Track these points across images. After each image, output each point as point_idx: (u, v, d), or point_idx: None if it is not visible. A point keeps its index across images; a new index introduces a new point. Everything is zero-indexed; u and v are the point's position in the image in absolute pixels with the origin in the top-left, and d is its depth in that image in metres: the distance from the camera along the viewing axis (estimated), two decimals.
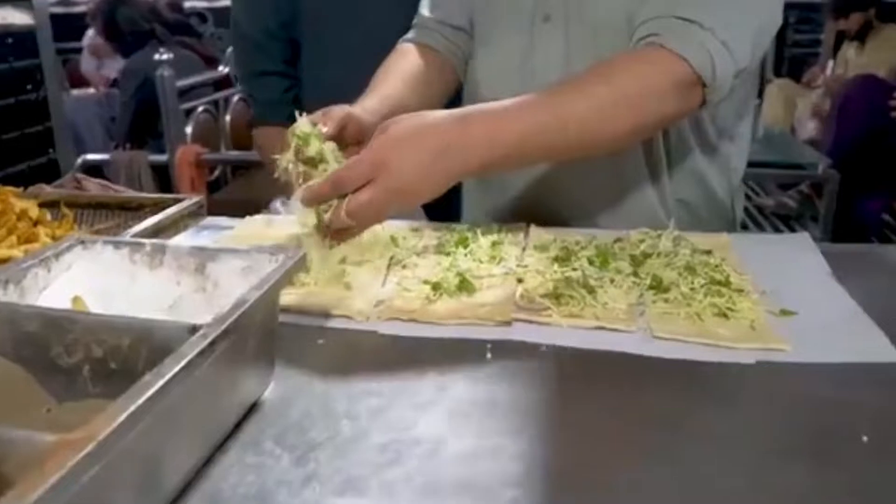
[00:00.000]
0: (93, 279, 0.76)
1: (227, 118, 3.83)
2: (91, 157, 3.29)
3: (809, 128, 4.49)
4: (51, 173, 2.61)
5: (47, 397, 0.60)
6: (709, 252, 1.05)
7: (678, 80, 0.99)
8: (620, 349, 0.83)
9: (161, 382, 0.49)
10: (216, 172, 3.73)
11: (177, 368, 0.51)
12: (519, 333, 0.86)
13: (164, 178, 3.33)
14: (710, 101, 1.02)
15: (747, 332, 0.86)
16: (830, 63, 4.79)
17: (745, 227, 3.56)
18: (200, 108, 3.57)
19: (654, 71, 0.99)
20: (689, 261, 1.01)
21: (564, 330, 0.86)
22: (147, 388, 0.48)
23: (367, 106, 1.11)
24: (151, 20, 3.88)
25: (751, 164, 3.40)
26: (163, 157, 3.25)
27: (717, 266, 1.00)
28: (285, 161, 0.96)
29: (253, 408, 0.70)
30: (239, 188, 3.76)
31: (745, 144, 1.29)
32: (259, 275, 0.73)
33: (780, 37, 5.75)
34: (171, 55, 3.35)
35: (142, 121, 3.61)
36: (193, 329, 0.58)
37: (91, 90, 4.87)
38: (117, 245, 0.78)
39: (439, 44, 1.31)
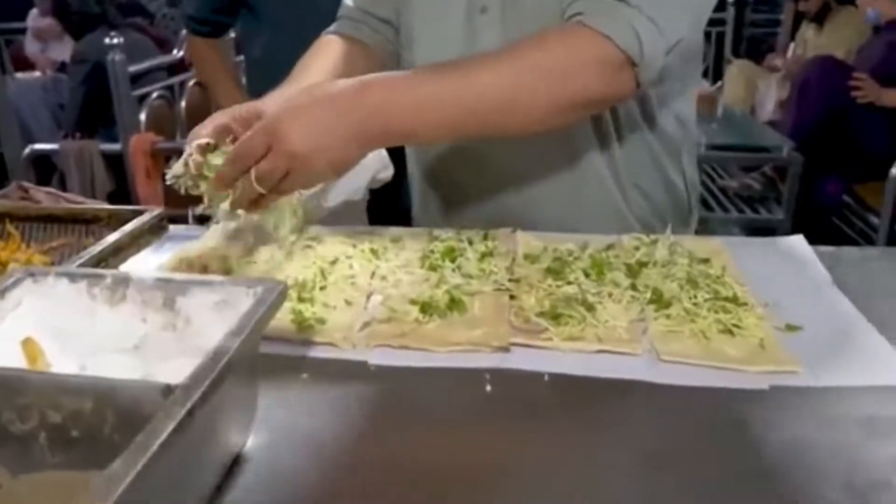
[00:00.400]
0: (46, 317, 0.68)
1: (183, 104, 3.68)
2: (39, 146, 3.13)
3: (768, 109, 4.50)
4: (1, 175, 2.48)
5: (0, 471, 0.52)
6: (706, 261, 1.00)
7: (601, 58, 0.94)
8: (627, 376, 0.77)
9: (135, 471, 0.41)
10: (172, 161, 3.58)
11: (154, 448, 0.43)
12: (518, 360, 0.79)
13: (117, 168, 3.19)
14: (642, 81, 0.97)
15: (756, 351, 0.82)
16: (791, 45, 4.78)
17: (709, 209, 3.59)
18: (154, 94, 3.41)
19: (573, 49, 0.95)
20: (688, 271, 0.96)
21: (566, 355, 0.81)
22: (118, 480, 0.40)
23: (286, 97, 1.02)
24: (102, 0, 3.70)
25: (714, 147, 3.42)
26: (116, 147, 3.11)
27: (718, 277, 0.95)
28: (176, 170, 0.95)
29: (235, 462, 0.63)
30: None
31: (693, 127, 1.27)
32: (236, 310, 0.66)
33: (739, 17, 5.75)
34: (123, 39, 3.19)
35: (92, 108, 3.46)
36: (168, 390, 0.50)
37: (37, 73, 4.67)
38: (73, 277, 0.70)
39: (365, 35, 1.24)
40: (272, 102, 1.00)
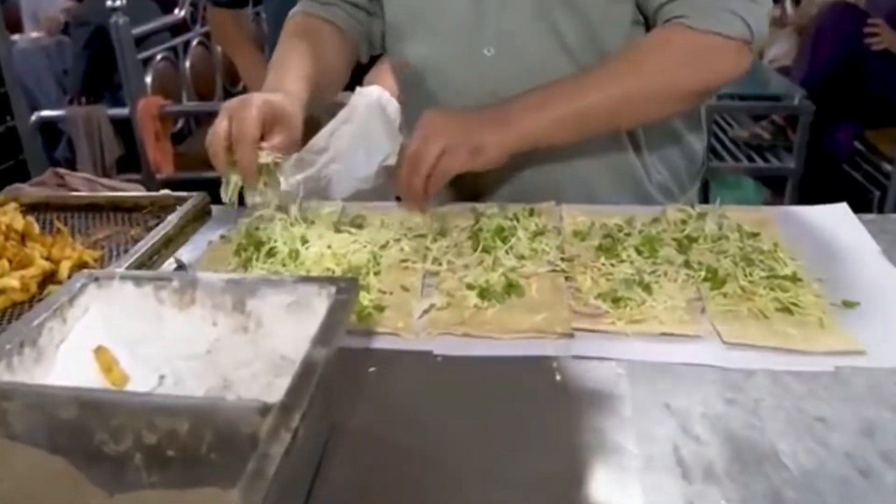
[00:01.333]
0: (114, 323, 0.67)
1: (188, 64, 3.63)
2: (45, 113, 3.08)
3: (772, 53, 4.40)
4: (11, 141, 2.43)
5: (95, 491, 0.52)
6: (756, 235, 0.99)
7: (714, 52, 1.03)
8: (694, 360, 0.77)
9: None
10: (179, 123, 3.55)
11: (271, 474, 0.43)
12: (584, 347, 0.79)
13: (126, 133, 3.15)
14: (755, 50, 1.07)
15: (817, 331, 0.81)
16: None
17: (720, 159, 3.57)
18: (159, 57, 3.36)
19: (683, 52, 1.04)
20: (740, 247, 0.96)
21: (630, 340, 0.80)
22: None
23: (289, 91, 1.05)
24: None
25: (725, 96, 3.37)
26: (123, 111, 3.07)
27: (771, 252, 0.94)
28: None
29: (318, 470, 0.62)
30: (203, 139, 3.59)
31: None
32: (310, 311, 0.65)
33: None
34: (124, 0, 3.13)
35: (96, 72, 3.40)
36: (265, 409, 0.49)
37: (35, 35, 4.58)
38: (138, 281, 0.69)
39: (339, 19, 1.22)
40: (286, 101, 1.01)
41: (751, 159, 3.63)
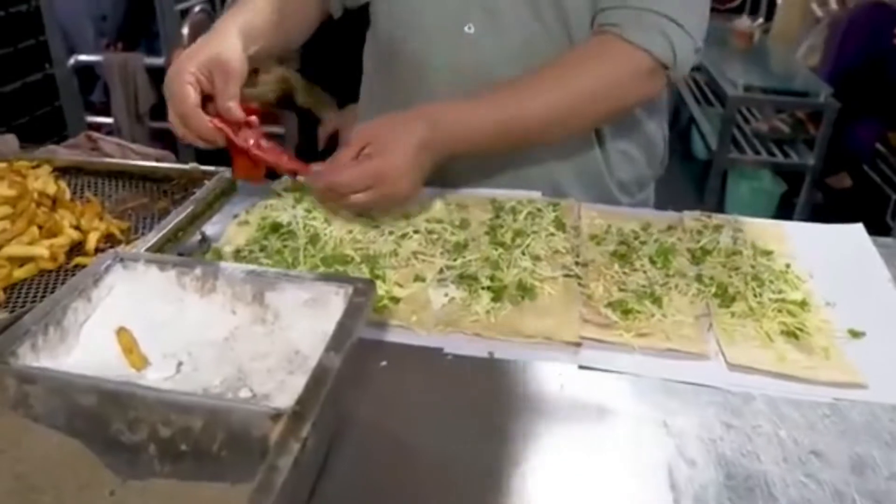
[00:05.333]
0: (137, 306, 0.69)
1: None
2: (83, 57, 3.10)
3: (804, 48, 4.32)
4: (49, 87, 2.45)
5: (109, 475, 0.55)
6: (770, 253, 1.00)
7: (639, 70, 1.04)
8: (697, 380, 0.79)
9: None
10: None
11: (278, 487, 0.45)
12: (590, 358, 0.81)
13: (160, 82, 3.16)
14: (674, 80, 1.08)
15: (821, 360, 0.82)
16: None
17: (740, 150, 3.54)
18: (196, 9, 3.36)
19: (613, 68, 1.04)
20: (752, 265, 0.97)
21: (636, 355, 0.82)
22: None
23: (231, 46, 1.05)
24: None
25: (750, 88, 3.35)
26: (159, 61, 3.09)
27: (783, 274, 0.95)
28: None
29: (325, 462, 0.65)
30: None
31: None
32: (326, 310, 0.67)
33: None
34: None
35: (134, 20, 3.42)
36: (276, 415, 0.52)
37: None
38: (162, 265, 0.71)
39: None
40: (233, 57, 1.03)
41: (770, 152, 3.61)
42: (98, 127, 3.06)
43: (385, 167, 0.96)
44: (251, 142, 1.03)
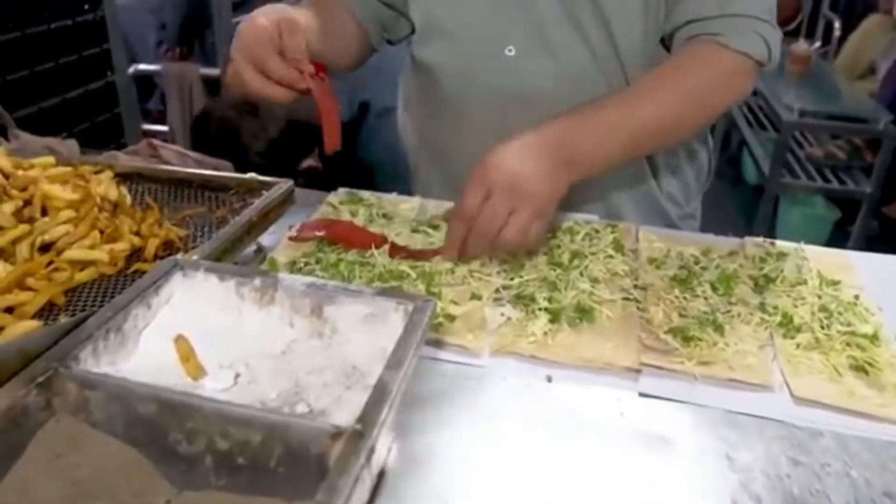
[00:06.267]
0: (195, 314, 0.69)
1: None
2: (142, 66, 3.16)
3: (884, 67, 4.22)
4: (109, 94, 2.50)
5: (165, 485, 0.54)
6: (837, 283, 0.97)
7: (742, 72, 1.05)
8: (762, 413, 0.76)
9: None
10: None
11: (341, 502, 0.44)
12: (651, 385, 0.79)
13: (214, 92, 3.22)
14: (766, 72, 1.09)
15: (893, 396, 0.79)
16: None
17: (794, 176, 3.46)
18: None
19: (720, 71, 1.05)
20: (818, 295, 0.93)
21: (698, 384, 0.79)
22: None
23: (295, 12, 1.02)
24: None
25: (806, 114, 3.29)
26: (215, 71, 3.13)
27: (851, 305, 0.92)
28: None
29: (380, 479, 0.64)
30: (291, 104, 3.64)
31: None
32: (385, 325, 0.66)
33: None
34: None
35: (192, 26, 3.48)
36: (336, 433, 0.51)
37: None
38: (222, 275, 0.71)
39: (356, 6, 1.18)
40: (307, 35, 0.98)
41: (824, 178, 3.54)
42: (154, 134, 3.11)
43: (518, 177, 0.91)
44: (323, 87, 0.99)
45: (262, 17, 0.96)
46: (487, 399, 0.76)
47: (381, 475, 0.64)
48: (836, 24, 4.81)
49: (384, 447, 0.62)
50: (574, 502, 0.64)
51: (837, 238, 3.45)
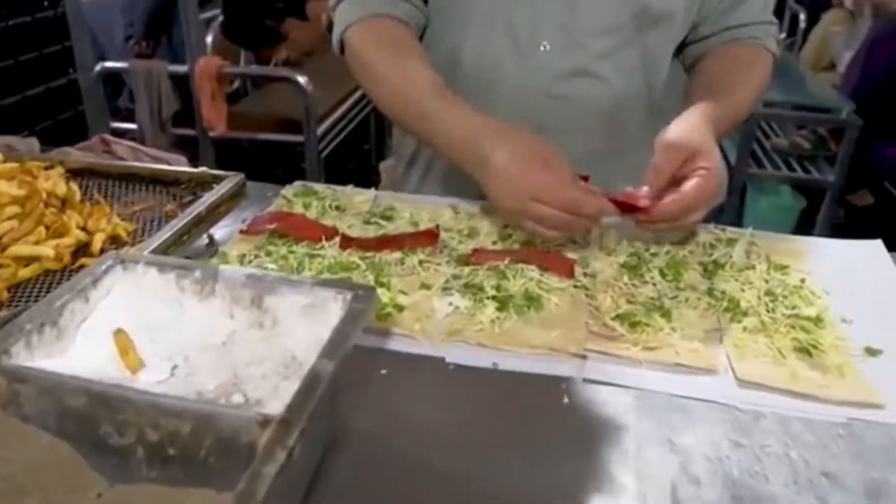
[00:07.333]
0: (135, 308, 0.69)
1: None
2: (109, 64, 3.12)
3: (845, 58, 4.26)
4: (72, 93, 2.47)
5: (97, 478, 0.54)
6: (785, 267, 0.98)
7: (771, 70, 1.21)
8: (705, 396, 0.77)
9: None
10: (235, 84, 3.59)
11: (264, 490, 0.44)
12: (595, 371, 0.79)
13: (183, 89, 3.19)
14: None
15: (835, 378, 0.80)
16: None
17: (760, 166, 3.49)
18: (221, 18, 3.39)
19: (764, 68, 1.18)
20: (766, 279, 0.95)
21: (643, 369, 0.80)
22: None
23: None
24: None
25: (770, 104, 3.33)
26: (182, 68, 3.11)
27: (797, 289, 0.93)
28: None
29: (320, 468, 0.64)
30: (258, 101, 3.63)
31: None
32: (324, 315, 0.66)
33: None
34: None
35: (159, 21, 3.46)
36: (265, 421, 0.51)
37: None
38: (162, 268, 0.70)
39: (405, 14, 1.15)
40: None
41: (790, 167, 3.57)
42: (123, 133, 3.08)
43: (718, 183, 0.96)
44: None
45: (559, 177, 0.93)
46: (433, 388, 0.76)
47: (320, 466, 0.64)
48: (802, 17, 4.86)
49: (320, 437, 0.62)
50: (518, 488, 0.65)
51: (804, 226, 3.48)
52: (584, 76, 1.12)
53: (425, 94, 1.03)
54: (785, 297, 0.91)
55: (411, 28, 1.15)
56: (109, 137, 1.14)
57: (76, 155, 1.09)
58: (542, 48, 1.11)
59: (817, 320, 0.87)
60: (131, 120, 3.21)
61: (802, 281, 0.95)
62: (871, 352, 0.84)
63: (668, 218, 0.95)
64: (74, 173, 1.04)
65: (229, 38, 3.16)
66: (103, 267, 0.69)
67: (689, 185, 0.94)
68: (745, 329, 0.86)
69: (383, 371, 0.78)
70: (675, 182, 0.95)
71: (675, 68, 1.23)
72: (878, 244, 1.08)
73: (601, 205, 0.93)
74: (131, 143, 1.14)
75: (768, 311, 0.89)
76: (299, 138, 3.07)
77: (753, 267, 0.98)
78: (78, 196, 0.96)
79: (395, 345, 0.82)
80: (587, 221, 0.95)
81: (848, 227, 3.55)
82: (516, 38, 1.12)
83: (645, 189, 0.96)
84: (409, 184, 1.33)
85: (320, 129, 3.19)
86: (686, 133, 0.97)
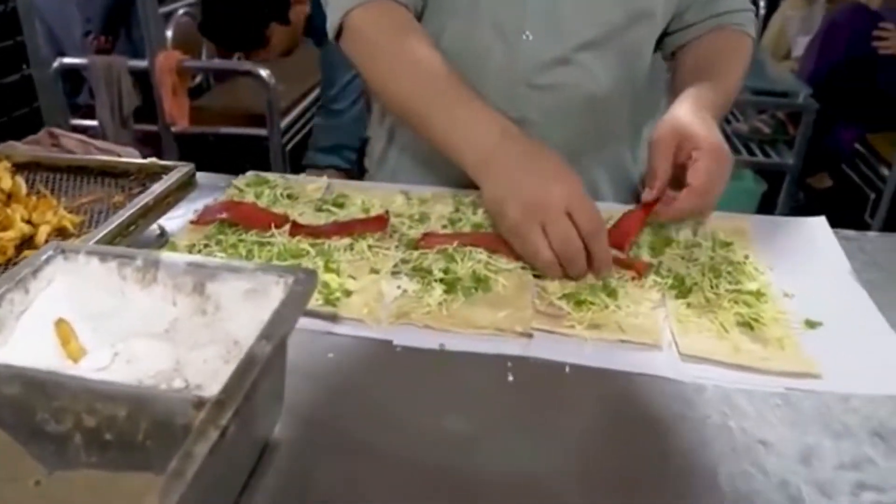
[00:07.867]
0: (77, 297, 0.69)
1: None
2: (68, 60, 3.09)
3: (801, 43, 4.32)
4: (27, 89, 2.44)
5: (35, 465, 0.54)
6: (729, 244, 1.00)
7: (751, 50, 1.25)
8: (648, 371, 0.78)
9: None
10: (198, 78, 3.56)
11: (195, 469, 0.45)
12: (540, 349, 0.80)
13: (144, 85, 3.16)
14: None
15: (775, 350, 0.82)
16: None
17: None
18: (181, 11, 3.36)
19: (747, 53, 1.23)
20: (710, 256, 0.96)
21: (587, 344, 0.81)
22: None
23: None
24: None
25: None
26: (143, 63, 3.08)
27: (740, 265, 0.95)
28: None
29: (264, 452, 0.64)
30: (221, 95, 3.60)
31: None
32: (266, 299, 0.67)
33: None
34: None
35: (117, 15, 3.41)
36: (199, 403, 0.51)
37: None
38: (103, 257, 0.70)
39: None
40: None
41: (750, 151, 3.62)
42: (84, 130, 3.05)
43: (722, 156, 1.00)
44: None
45: (584, 197, 0.91)
46: (380, 370, 0.77)
47: (266, 447, 0.65)
48: (762, 3, 4.91)
49: (260, 420, 0.63)
50: (460, 468, 0.66)
51: (765, 209, 3.53)
52: (567, 65, 1.12)
53: (440, 79, 1.01)
54: (729, 272, 0.93)
55: (411, 12, 1.14)
56: (58, 131, 1.14)
57: (23, 149, 1.09)
58: (525, 37, 1.11)
59: (759, 294, 0.89)
60: (92, 117, 3.17)
61: (746, 257, 0.97)
62: (811, 324, 0.86)
63: (693, 211, 1.00)
64: (21, 167, 1.03)
65: (206, 36, 3.12)
66: (43, 257, 0.69)
67: (693, 172, 0.98)
68: (688, 305, 0.88)
69: (330, 355, 0.78)
70: (681, 168, 1.00)
71: (657, 59, 1.25)
72: (821, 221, 1.10)
73: (608, 261, 0.91)
74: (80, 137, 1.13)
75: (712, 288, 0.90)
76: (263, 132, 3.05)
77: (699, 244, 0.99)
78: (24, 190, 0.96)
79: (344, 329, 0.82)
80: (583, 267, 0.90)
81: (808, 209, 3.56)
82: (501, 25, 1.11)
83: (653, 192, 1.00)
84: (387, 162, 1.33)
85: (284, 123, 3.18)
86: (670, 123, 1.02)
